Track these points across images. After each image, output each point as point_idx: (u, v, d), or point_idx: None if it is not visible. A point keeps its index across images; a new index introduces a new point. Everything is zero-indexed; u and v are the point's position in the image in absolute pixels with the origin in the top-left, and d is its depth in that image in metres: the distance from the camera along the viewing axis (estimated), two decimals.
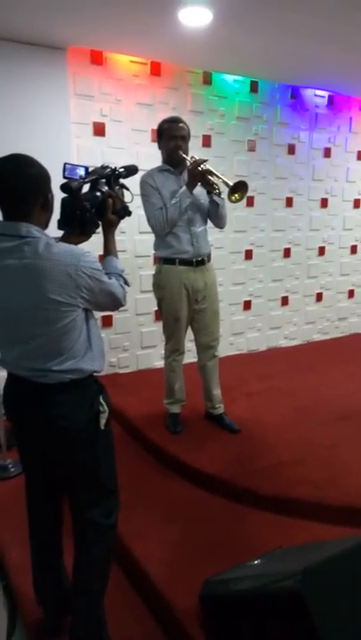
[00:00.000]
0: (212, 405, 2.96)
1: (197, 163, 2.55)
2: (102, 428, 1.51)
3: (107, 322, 3.76)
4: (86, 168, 1.67)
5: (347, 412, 3.14)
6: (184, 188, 2.60)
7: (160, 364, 3.88)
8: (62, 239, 1.59)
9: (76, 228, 1.61)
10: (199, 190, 2.67)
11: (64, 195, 1.57)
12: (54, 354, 1.43)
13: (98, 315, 1.60)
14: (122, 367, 3.90)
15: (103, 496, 1.57)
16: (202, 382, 2.97)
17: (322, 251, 4.93)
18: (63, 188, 1.55)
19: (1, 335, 1.49)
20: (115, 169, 1.75)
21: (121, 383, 3.61)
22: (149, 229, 2.76)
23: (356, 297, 5.25)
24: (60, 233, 1.61)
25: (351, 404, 3.28)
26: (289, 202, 4.59)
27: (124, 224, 1.87)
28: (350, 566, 1.45)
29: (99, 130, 3.50)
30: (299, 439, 2.80)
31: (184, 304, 2.76)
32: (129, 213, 1.77)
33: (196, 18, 2.73)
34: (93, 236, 1.67)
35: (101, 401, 1.52)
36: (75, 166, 1.65)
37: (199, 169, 2.55)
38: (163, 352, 3.05)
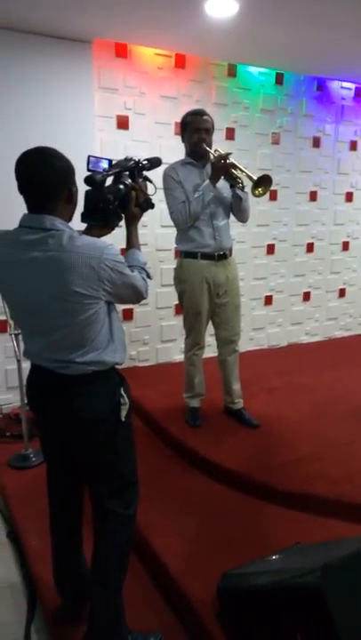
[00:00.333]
0: (231, 400, 2.95)
1: (221, 156, 2.54)
2: (123, 419, 1.52)
3: (127, 315, 3.77)
4: (110, 161, 1.67)
5: None
6: (207, 181, 2.59)
7: (180, 357, 3.89)
8: (85, 232, 1.60)
9: (99, 220, 1.61)
10: (222, 184, 2.65)
11: (87, 187, 1.58)
12: (77, 345, 1.44)
13: (118, 308, 1.60)
14: (142, 360, 3.92)
15: (123, 487, 1.58)
16: (222, 377, 2.97)
17: (346, 246, 4.85)
18: (87, 180, 1.55)
19: (25, 327, 1.52)
20: (138, 161, 1.75)
21: (141, 376, 3.63)
22: (171, 223, 2.76)
23: None
24: (84, 225, 1.62)
25: None
26: (313, 196, 4.53)
27: (146, 217, 1.87)
28: None
29: (122, 123, 3.51)
30: (318, 435, 2.78)
31: (205, 298, 2.75)
32: (152, 206, 1.77)
33: (222, 9, 2.70)
34: (116, 228, 1.68)
35: (122, 393, 1.53)
36: (98, 159, 1.65)
37: (223, 162, 2.53)
38: (183, 346, 3.05)
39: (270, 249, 4.41)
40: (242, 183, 2.61)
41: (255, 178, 2.47)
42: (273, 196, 4.27)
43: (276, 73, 4.06)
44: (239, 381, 2.97)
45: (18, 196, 1.43)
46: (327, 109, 4.42)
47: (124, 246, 1.69)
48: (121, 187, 1.67)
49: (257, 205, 3.98)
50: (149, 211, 1.78)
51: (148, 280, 1.62)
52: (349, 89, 4.49)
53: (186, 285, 2.77)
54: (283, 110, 4.18)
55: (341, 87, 4.45)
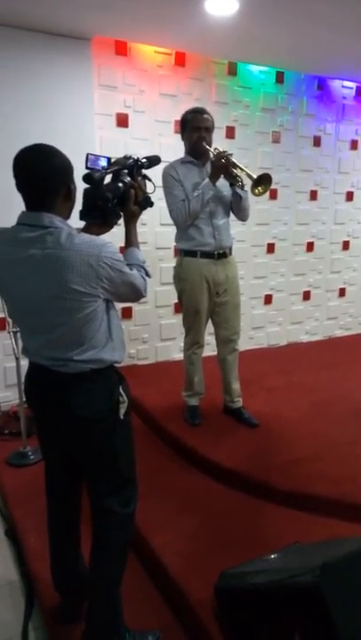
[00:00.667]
0: (230, 399, 2.95)
1: (221, 155, 2.53)
2: (122, 417, 1.52)
3: (126, 313, 3.77)
4: (109, 159, 1.66)
5: None
6: (207, 180, 2.58)
7: (179, 356, 3.88)
8: (84, 230, 1.59)
9: (97, 218, 1.61)
10: (222, 182, 2.64)
11: (86, 185, 1.58)
12: (75, 344, 1.44)
13: (117, 306, 1.59)
14: (141, 359, 3.91)
15: (121, 485, 1.58)
16: (221, 376, 2.96)
17: (346, 245, 4.85)
18: (85, 178, 1.54)
19: (23, 324, 1.51)
20: (137, 159, 1.74)
21: (140, 375, 3.63)
22: (171, 221, 2.75)
23: None
24: (82, 223, 1.61)
25: None
26: (313, 195, 4.52)
27: (146, 216, 1.86)
28: None
29: (122, 121, 3.50)
30: (318, 435, 2.77)
31: (205, 297, 2.74)
32: (151, 204, 1.76)
33: (222, 7, 2.69)
34: (115, 226, 1.67)
35: (121, 391, 1.53)
36: (97, 157, 1.64)
37: (222, 161, 2.52)
38: (182, 344, 3.04)
39: (270, 248, 4.40)
40: (241, 182, 2.61)
41: (255, 177, 2.47)
42: (273, 195, 4.26)
43: (277, 71, 4.05)
44: (239, 380, 2.96)
45: (17, 194, 1.43)
46: (328, 108, 4.41)
47: (123, 244, 1.68)
48: (120, 185, 1.66)
49: (257, 204, 3.97)
50: (148, 209, 1.77)
51: (146, 278, 1.61)
52: (350, 88, 4.48)
53: (185, 284, 2.76)
54: (283, 109, 4.17)
55: (342, 86, 4.44)
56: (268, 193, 2.66)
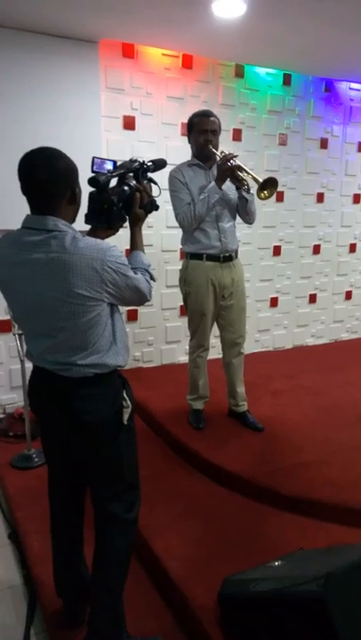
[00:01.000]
0: (235, 403, 2.94)
1: (227, 158, 2.52)
2: (125, 422, 1.51)
3: (132, 316, 3.77)
4: (114, 162, 1.66)
5: None
6: (213, 183, 2.57)
7: (184, 359, 3.88)
8: (89, 233, 1.59)
9: (103, 222, 1.60)
10: (228, 185, 2.63)
11: (92, 189, 1.57)
12: (79, 348, 1.43)
13: (123, 309, 1.59)
14: (146, 361, 3.91)
15: (125, 490, 1.57)
16: (226, 379, 2.95)
17: (353, 248, 4.82)
18: (91, 181, 1.54)
19: (27, 328, 1.51)
20: (143, 163, 1.74)
21: (144, 377, 3.62)
22: (177, 224, 2.75)
23: None
24: (87, 227, 1.61)
25: None
26: (320, 197, 4.50)
27: (152, 218, 1.86)
28: None
29: (129, 123, 3.50)
30: (323, 440, 2.75)
31: (210, 300, 2.74)
32: (156, 208, 1.76)
33: (229, 10, 2.69)
34: (120, 230, 1.67)
35: (125, 396, 1.52)
36: (103, 160, 1.64)
37: (228, 164, 2.51)
38: (187, 347, 3.04)
39: (276, 250, 4.38)
40: (247, 185, 2.59)
41: (260, 180, 2.45)
42: (280, 198, 4.24)
43: (284, 74, 4.04)
44: (244, 384, 2.95)
45: (23, 197, 1.43)
46: (335, 110, 4.39)
47: (128, 247, 1.68)
48: (125, 188, 1.66)
49: (263, 207, 3.96)
50: (154, 212, 1.77)
51: (151, 282, 1.61)
52: (358, 90, 4.46)
53: (191, 287, 2.75)
54: (290, 111, 4.16)
55: (350, 88, 4.42)
56: (274, 195, 2.65)
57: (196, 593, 1.76)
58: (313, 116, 4.28)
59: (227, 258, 2.74)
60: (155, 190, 1.76)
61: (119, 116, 3.46)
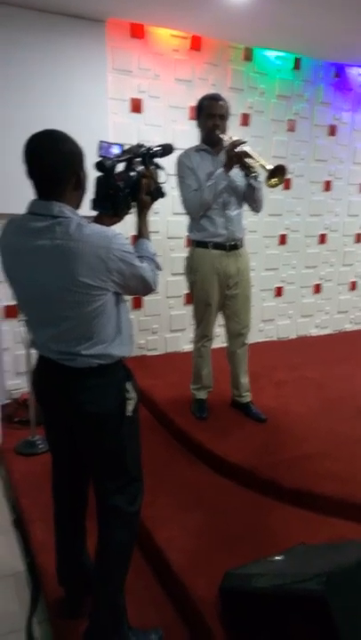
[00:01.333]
0: (238, 393, 2.91)
1: (235, 144, 2.45)
2: (129, 414, 1.48)
3: (136, 304, 3.73)
4: (121, 146, 1.62)
5: None
6: (220, 169, 2.51)
7: (188, 347, 3.85)
8: (95, 220, 1.55)
9: (109, 208, 1.56)
10: (236, 172, 2.57)
11: (98, 174, 1.53)
12: (84, 337, 1.40)
13: (127, 296, 1.55)
14: (150, 350, 3.88)
15: (127, 483, 1.55)
16: (230, 369, 2.92)
17: (359, 237, 4.76)
18: (97, 166, 1.50)
19: (32, 317, 1.47)
20: (150, 148, 1.69)
21: (148, 366, 3.60)
22: (183, 210, 2.69)
23: None
24: (93, 213, 1.57)
25: None
26: (327, 185, 4.43)
27: (158, 205, 1.81)
28: None
29: (136, 106, 3.42)
30: (327, 432, 2.73)
31: (215, 289, 2.70)
32: (163, 195, 1.72)
33: None
34: (126, 216, 1.62)
35: (128, 387, 1.49)
36: (110, 144, 1.60)
37: (236, 150, 2.45)
38: (192, 336, 3.00)
39: (282, 239, 4.33)
40: (256, 173, 2.53)
41: (269, 168, 2.39)
42: (287, 185, 4.17)
43: (294, 58, 3.93)
44: (248, 374, 2.92)
45: (29, 181, 1.38)
46: (345, 97, 4.30)
47: (133, 234, 1.64)
48: (132, 174, 1.62)
49: (270, 194, 3.88)
50: (161, 199, 1.73)
51: (157, 271, 1.57)
52: None
53: (197, 276, 2.71)
54: (299, 97, 4.07)
55: (360, 74, 4.31)
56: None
57: (198, 585, 1.75)
58: (322, 101, 4.19)
59: (233, 246, 2.69)
60: (161, 176, 1.72)
61: (126, 98, 3.38)
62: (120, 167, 1.62)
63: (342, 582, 1.34)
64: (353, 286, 4.86)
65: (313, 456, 2.48)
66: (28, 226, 1.35)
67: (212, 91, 2.88)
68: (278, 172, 2.42)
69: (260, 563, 1.70)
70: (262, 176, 2.52)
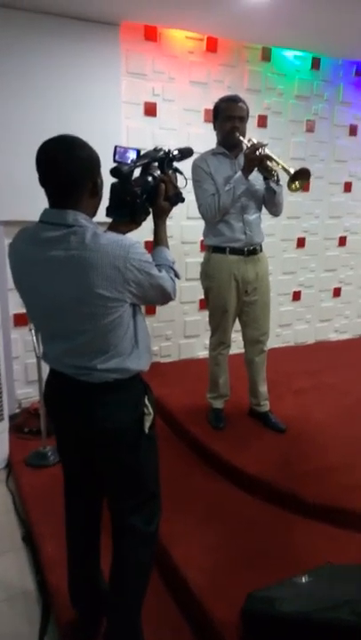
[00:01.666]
0: (257, 402, 2.83)
1: (255, 147, 2.38)
2: (146, 430, 1.42)
3: (150, 310, 3.67)
4: (138, 151, 1.55)
5: None
6: (239, 173, 2.44)
7: (203, 354, 3.79)
8: (111, 228, 1.50)
9: (125, 215, 1.50)
10: (255, 175, 2.49)
11: (113, 180, 1.47)
12: (99, 351, 1.34)
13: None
14: (164, 356, 3.82)
15: (145, 501, 1.49)
16: (248, 377, 2.85)
17: None
18: (113, 172, 1.44)
19: (44, 330, 1.42)
20: (168, 152, 1.62)
21: (162, 373, 3.53)
22: (198, 215, 2.63)
23: None
24: (109, 219, 1.51)
25: None
26: (348, 187, 4.33)
27: (173, 209, 1.74)
28: None
29: (150, 110, 3.37)
30: (350, 442, 2.63)
31: (233, 295, 2.62)
32: (182, 200, 1.65)
33: None
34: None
35: (146, 402, 1.43)
36: (126, 149, 1.54)
37: (256, 153, 2.38)
38: (206, 342, 2.93)
39: (300, 242, 4.23)
40: (277, 176, 2.46)
41: (292, 171, 2.31)
42: (305, 187, 4.05)
43: (313, 57, 3.85)
44: (266, 383, 2.84)
45: (41, 188, 1.33)
46: None
47: (147, 239, 1.58)
48: (149, 179, 1.56)
49: (288, 197, 3.73)
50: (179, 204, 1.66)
51: (176, 280, 1.51)
52: None
53: (213, 282, 2.64)
54: (319, 97, 3.98)
55: None
56: None
57: (218, 607, 1.68)
58: (342, 101, 4.10)
59: (251, 251, 2.62)
60: (180, 181, 1.65)
61: (140, 102, 3.33)
62: (136, 172, 1.56)
63: None
64: None
65: (337, 467, 2.39)
66: (41, 235, 1.29)
67: (228, 93, 2.81)
68: (301, 176, 2.34)
69: (284, 585, 1.62)
70: (283, 179, 2.44)
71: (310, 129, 4.01)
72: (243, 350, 2.85)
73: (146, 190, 1.53)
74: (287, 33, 3.33)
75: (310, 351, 4.28)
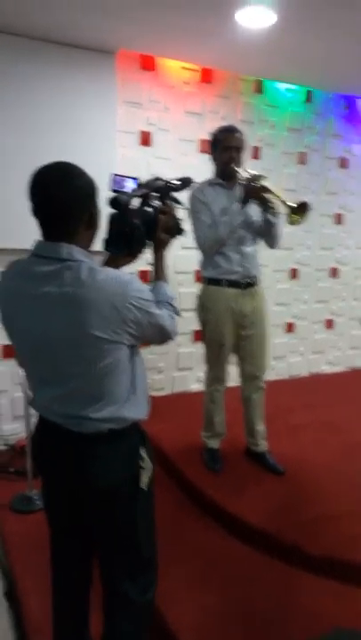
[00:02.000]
0: (254, 442, 2.69)
1: (253, 178, 2.32)
2: (143, 487, 1.28)
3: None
4: (136, 180, 1.46)
5: None
6: (236, 205, 2.36)
7: (196, 387, 3.66)
8: (108, 262, 1.39)
9: (123, 248, 1.40)
10: (252, 206, 2.42)
11: (111, 210, 1.37)
12: (93, 398, 1.21)
13: None
14: (156, 389, 3.67)
15: (140, 567, 1.33)
16: (244, 415, 2.71)
17: None
18: (112, 202, 1.34)
19: (33, 374, 1.28)
20: (168, 181, 1.54)
21: (155, 407, 3.25)
22: (192, 245, 2.53)
23: None
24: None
25: None
26: (338, 218, 4.31)
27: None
28: None
29: (145, 139, 3.32)
30: (352, 485, 2.49)
31: (230, 329, 2.52)
32: (181, 231, 1.56)
33: (258, 20, 2.51)
34: None
35: (143, 454, 1.29)
36: (123, 178, 1.45)
37: (255, 185, 2.31)
38: (200, 375, 2.80)
39: (293, 273, 4.18)
40: (275, 208, 2.39)
41: (292, 205, 2.24)
42: None
43: (305, 90, 3.87)
44: (264, 421, 2.71)
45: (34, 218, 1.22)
46: (355, 129, 4.22)
47: (141, 268, 1.47)
48: (148, 210, 1.46)
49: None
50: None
51: (176, 317, 1.39)
52: None
53: (209, 315, 2.53)
54: (310, 129, 3.99)
55: None
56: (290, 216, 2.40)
57: None
58: (333, 134, 4.11)
59: (248, 284, 2.53)
60: (180, 212, 1.56)
61: (136, 131, 3.28)
62: (134, 202, 1.46)
63: None
64: None
65: (341, 515, 2.25)
66: (32, 270, 1.18)
67: (222, 124, 2.77)
68: (301, 209, 2.27)
69: None
70: (282, 211, 2.38)
71: (302, 161, 4.01)
72: (238, 384, 2.72)
73: (145, 222, 1.43)
74: (280, 65, 3.35)
75: (305, 384, 4.17)
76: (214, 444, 2.68)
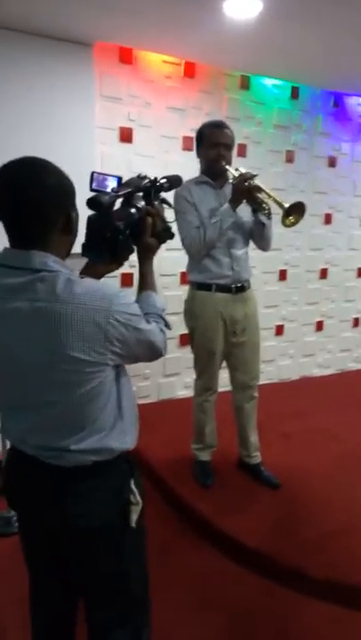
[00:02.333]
0: (247, 454, 2.56)
1: (245, 177, 2.18)
2: (133, 525, 1.13)
3: None
4: (119, 178, 1.31)
5: None
6: (226, 205, 2.22)
7: (183, 393, 3.53)
8: (86, 268, 1.24)
9: (104, 254, 1.25)
10: (242, 207, 2.29)
11: (91, 212, 1.22)
12: (73, 427, 1.06)
13: None
14: (142, 397, 3.52)
15: (130, 611, 1.19)
16: (236, 425, 2.58)
17: None
18: (91, 202, 1.18)
19: (3, 400, 1.11)
20: (155, 180, 1.39)
21: (141, 416, 3.15)
22: (178, 246, 2.38)
23: None
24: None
25: None
26: (328, 218, 4.21)
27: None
28: None
29: (125, 135, 3.16)
30: (348, 497, 2.39)
31: (220, 336, 2.38)
32: (171, 236, 1.41)
33: (243, 9, 2.38)
34: None
35: (133, 488, 1.14)
36: (105, 176, 1.29)
37: (246, 184, 2.17)
38: (187, 380, 2.66)
39: (282, 274, 4.06)
40: (268, 209, 2.26)
41: (286, 206, 2.11)
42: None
43: (292, 86, 3.75)
44: (257, 431, 2.58)
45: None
46: (344, 127, 4.12)
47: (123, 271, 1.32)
48: (133, 211, 1.31)
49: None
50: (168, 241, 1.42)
51: (166, 331, 1.25)
52: None
53: (198, 322, 2.39)
54: (298, 127, 3.87)
55: (359, 104, 4.15)
56: (279, 215, 2.28)
57: None
58: (321, 132, 4.00)
59: (239, 289, 2.39)
60: (169, 214, 1.41)
61: (115, 127, 3.12)
62: (117, 204, 1.31)
63: None
64: (356, 323, 4.60)
65: (340, 532, 2.14)
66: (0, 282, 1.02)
67: (206, 120, 2.62)
68: (296, 210, 2.15)
69: None
70: (276, 214, 2.24)
71: (290, 159, 3.89)
72: (228, 389, 2.59)
73: (129, 224, 1.28)
74: (268, 59, 3.21)
75: (295, 388, 4.06)
76: (205, 456, 2.55)
